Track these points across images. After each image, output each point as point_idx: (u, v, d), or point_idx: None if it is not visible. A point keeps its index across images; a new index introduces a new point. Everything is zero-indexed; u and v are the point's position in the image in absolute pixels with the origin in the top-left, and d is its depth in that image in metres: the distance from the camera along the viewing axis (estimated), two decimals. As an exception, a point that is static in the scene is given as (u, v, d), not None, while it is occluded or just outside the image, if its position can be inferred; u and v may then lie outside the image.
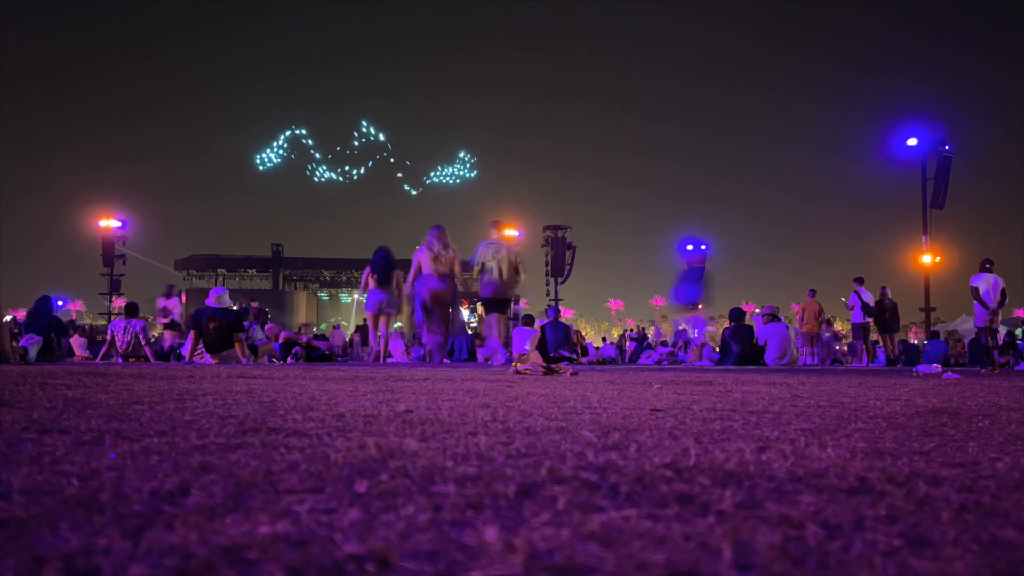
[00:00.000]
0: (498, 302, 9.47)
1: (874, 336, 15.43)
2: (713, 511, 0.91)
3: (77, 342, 15.09)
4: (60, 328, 10.46)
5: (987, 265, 11.90)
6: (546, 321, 14.42)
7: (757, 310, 15.20)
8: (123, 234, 29.43)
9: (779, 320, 13.37)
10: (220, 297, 10.43)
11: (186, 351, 10.28)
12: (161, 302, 15.27)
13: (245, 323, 10.61)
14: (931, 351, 16.35)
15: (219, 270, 36.93)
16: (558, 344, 12.62)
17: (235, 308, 11.44)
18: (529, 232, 32.73)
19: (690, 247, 31.70)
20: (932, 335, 17.58)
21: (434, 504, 0.92)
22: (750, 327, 13.23)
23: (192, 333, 10.17)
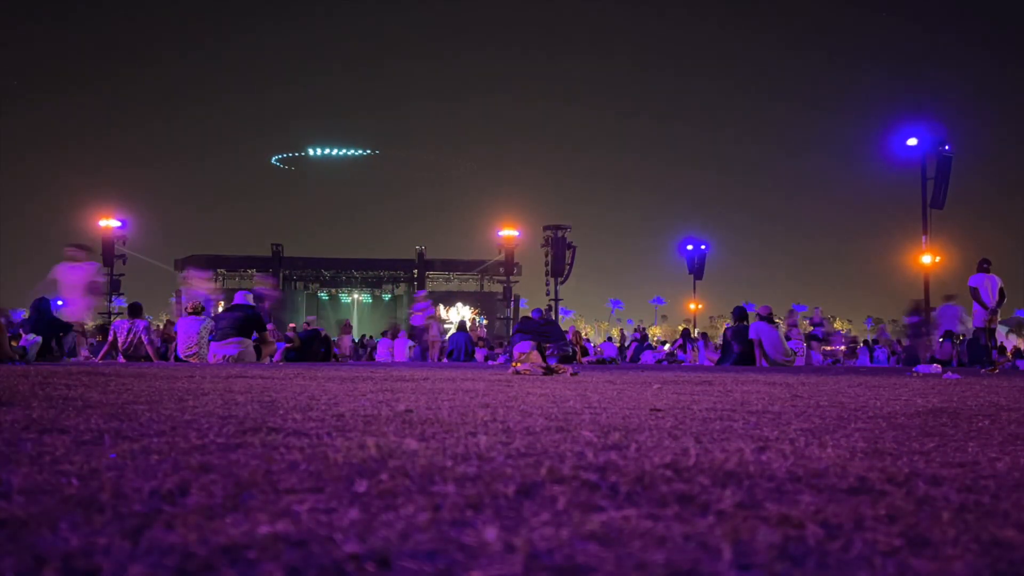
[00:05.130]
0: None
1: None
2: (713, 511, 0.91)
3: (80, 342, 15.04)
4: (61, 327, 10.46)
5: (985, 265, 11.88)
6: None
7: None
8: (123, 234, 29.40)
9: (772, 321, 13.33)
10: (247, 296, 10.87)
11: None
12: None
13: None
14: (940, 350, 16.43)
15: (219, 270, 36.92)
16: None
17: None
18: (529, 232, 32.74)
19: (690, 247, 31.79)
20: (947, 334, 17.58)
21: (434, 504, 0.92)
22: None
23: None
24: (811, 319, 20.01)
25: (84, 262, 10.77)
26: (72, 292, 10.69)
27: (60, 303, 10.69)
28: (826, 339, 19.27)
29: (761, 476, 1.15)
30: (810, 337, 18.03)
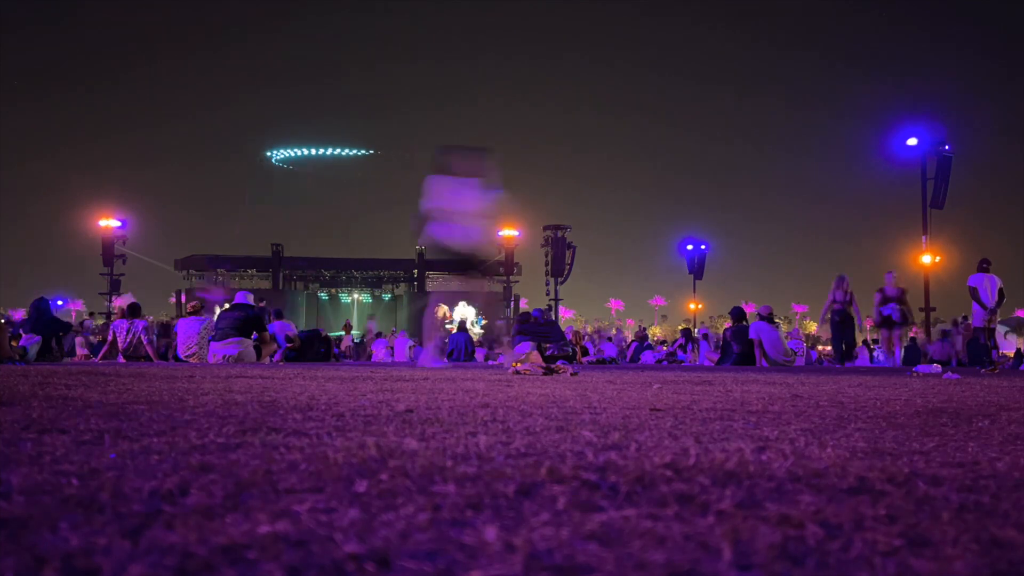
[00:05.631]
0: None
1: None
2: (713, 511, 0.91)
3: (78, 341, 15.09)
4: (61, 327, 10.48)
5: (984, 265, 11.89)
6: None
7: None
8: (123, 234, 29.49)
9: (773, 322, 13.32)
10: (248, 296, 10.97)
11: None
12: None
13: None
14: (938, 351, 16.46)
15: (219, 270, 36.90)
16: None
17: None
18: (529, 232, 32.80)
19: (690, 247, 31.87)
20: (944, 334, 17.57)
21: (434, 504, 0.92)
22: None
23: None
24: (883, 290, 13.03)
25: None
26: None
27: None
28: (906, 320, 13.35)
29: (761, 476, 1.15)
30: (885, 323, 13.16)
